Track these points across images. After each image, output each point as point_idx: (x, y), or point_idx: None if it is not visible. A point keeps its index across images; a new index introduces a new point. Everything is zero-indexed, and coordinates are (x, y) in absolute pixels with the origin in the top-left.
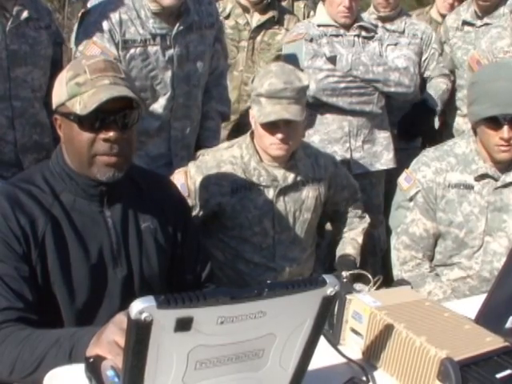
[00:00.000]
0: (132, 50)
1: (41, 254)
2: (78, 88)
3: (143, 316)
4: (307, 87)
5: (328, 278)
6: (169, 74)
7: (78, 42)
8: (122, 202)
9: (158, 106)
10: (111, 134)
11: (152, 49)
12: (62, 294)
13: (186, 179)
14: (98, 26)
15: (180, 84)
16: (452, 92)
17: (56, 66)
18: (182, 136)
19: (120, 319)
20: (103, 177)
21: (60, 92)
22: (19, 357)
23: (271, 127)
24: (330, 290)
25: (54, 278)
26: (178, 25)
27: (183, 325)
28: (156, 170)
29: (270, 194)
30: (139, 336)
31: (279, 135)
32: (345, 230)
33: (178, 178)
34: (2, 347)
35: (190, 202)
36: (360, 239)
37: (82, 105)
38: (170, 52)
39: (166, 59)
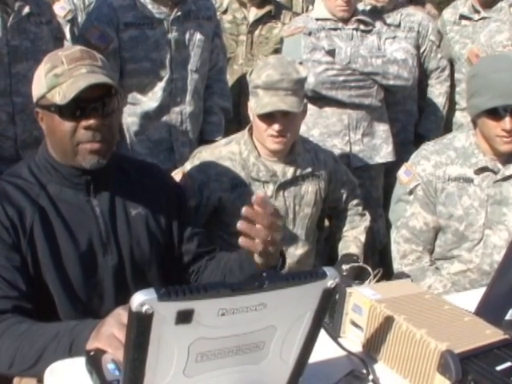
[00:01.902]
0: (131, 33)
1: (30, 244)
2: (57, 79)
3: (144, 308)
4: (305, 79)
5: (328, 270)
6: (167, 56)
7: (81, 27)
8: (109, 190)
9: (158, 89)
10: (92, 121)
11: (150, 32)
12: (54, 283)
13: (188, 181)
14: (98, 10)
15: (178, 67)
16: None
17: None
18: (182, 120)
19: (118, 313)
20: (88, 164)
21: (39, 85)
22: (18, 350)
23: (268, 119)
24: (330, 283)
25: (45, 268)
26: (175, 10)
27: (184, 317)
28: (158, 155)
29: (270, 189)
30: (140, 329)
31: (276, 126)
32: (346, 228)
33: (178, 178)
34: (0, 341)
35: (193, 201)
36: (363, 238)
37: (62, 95)
38: (168, 36)
39: (164, 42)
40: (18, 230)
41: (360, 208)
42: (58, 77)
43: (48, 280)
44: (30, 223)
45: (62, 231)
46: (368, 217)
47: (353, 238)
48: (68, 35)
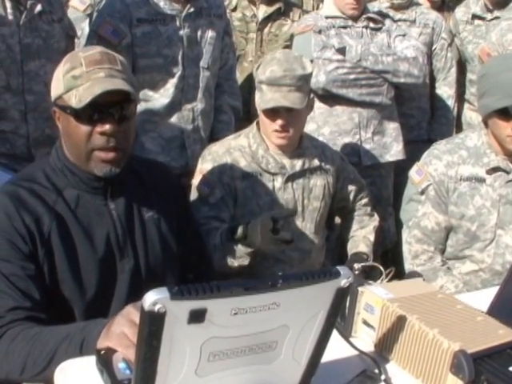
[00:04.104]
0: (144, 29)
1: (47, 252)
2: (74, 81)
3: (157, 307)
4: (310, 75)
5: (342, 269)
6: (179, 52)
7: (93, 23)
8: (126, 193)
9: (170, 85)
10: (107, 126)
11: (163, 28)
12: (71, 291)
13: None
14: (111, 6)
15: (190, 64)
16: (460, 84)
17: None
18: (194, 117)
19: (128, 311)
20: (100, 172)
21: (57, 85)
22: (30, 354)
23: (272, 114)
24: (343, 282)
25: (62, 275)
26: (187, 7)
27: (197, 316)
28: (170, 152)
29: (279, 181)
30: (152, 328)
31: (279, 121)
32: (355, 228)
33: (197, 178)
34: (11, 346)
35: (218, 193)
36: (372, 237)
37: (77, 98)
38: (181, 32)
39: (177, 38)
40: (36, 238)
41: (368, 208)
42: (77, 79)
43: (65, 287)
44: (47, 231)
45: (79, 238)
46: (376, 217)
47: (362, 237)
48: (87, 29)
